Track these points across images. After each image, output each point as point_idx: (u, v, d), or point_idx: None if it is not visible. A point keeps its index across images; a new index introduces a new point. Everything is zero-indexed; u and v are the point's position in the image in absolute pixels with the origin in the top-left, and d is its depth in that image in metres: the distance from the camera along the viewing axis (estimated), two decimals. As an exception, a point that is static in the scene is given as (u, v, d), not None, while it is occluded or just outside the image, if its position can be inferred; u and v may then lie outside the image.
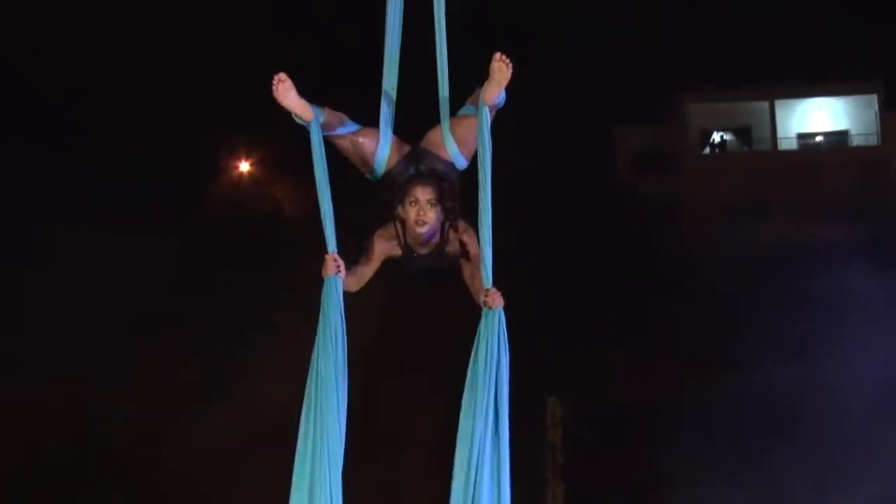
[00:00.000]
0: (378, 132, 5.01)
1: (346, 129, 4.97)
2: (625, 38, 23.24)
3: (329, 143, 4.95)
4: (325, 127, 4.84)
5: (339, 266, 4.69)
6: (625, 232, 21.10)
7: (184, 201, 20.11)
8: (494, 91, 4.71)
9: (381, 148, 4.98)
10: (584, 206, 21.12)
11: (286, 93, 4.72)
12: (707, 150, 28.50)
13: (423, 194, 4.85)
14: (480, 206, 4.67)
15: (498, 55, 4.68)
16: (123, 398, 17.35)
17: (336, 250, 4.72)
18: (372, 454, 13.89)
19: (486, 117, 4.71)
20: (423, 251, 4.95)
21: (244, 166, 22.55)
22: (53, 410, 17.07)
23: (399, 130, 5.09)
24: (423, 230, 4.85)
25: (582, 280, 19.72)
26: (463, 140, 4.97)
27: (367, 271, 4.95)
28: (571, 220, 20.53)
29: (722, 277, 19.73)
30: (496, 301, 4.62)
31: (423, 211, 4.84)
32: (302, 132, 4.85)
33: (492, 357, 4.57)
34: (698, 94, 27.46)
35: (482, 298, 4.66)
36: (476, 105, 4.82)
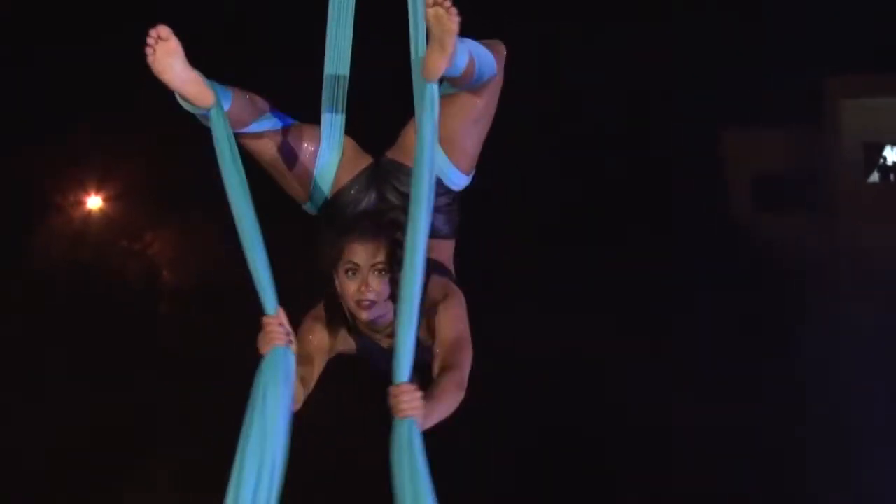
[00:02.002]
0: (320, 131, 4.88)
1: (265, 125, 4.79)
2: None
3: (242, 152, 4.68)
4: (231, 120, 4.56)
5: (288, 333, 4.40)
6: (737, 305, 21.07)
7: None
8: (439, 57, 4.36)
9: (321, 154, 4.86)
10: (669, 260, 21.09)
11: (168, 59, 4.43)
12: (875, 174, 28.54)
13: (364, 257, 4.66)
14: (406, 258, 4.29)
15: None
16: None
17: (275, 311, 4.42)
18: None
19: (433, 100, 4.38)
20: (393, 342, 4.52)
21: (94, 202, 21.84)
22: None
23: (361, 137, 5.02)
24: (367, 315, 4.68)
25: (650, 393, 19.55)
26: (453, 137, 4.83)
27: (303, 379, 4.67)
28: (639, 287, 20.49)
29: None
30: (403, 405, 4.19)
31: (365, 284, 4.66)
32: (203, 132, 4.62)
33: (404, 495, 4.20)
34: (857, 85, 27.57)
35: (389, 399, 4.27)
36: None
